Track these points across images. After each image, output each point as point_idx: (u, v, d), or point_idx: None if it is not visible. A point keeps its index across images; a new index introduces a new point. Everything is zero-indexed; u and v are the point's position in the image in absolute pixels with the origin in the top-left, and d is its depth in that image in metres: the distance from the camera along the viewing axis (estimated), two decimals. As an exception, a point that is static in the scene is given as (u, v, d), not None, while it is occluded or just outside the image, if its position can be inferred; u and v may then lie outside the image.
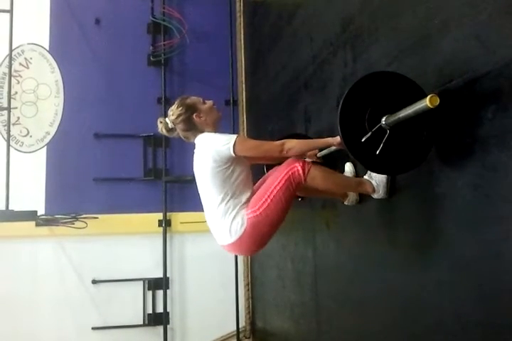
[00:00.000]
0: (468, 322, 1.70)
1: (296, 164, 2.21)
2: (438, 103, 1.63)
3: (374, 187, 2.25)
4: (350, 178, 2.50)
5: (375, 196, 2.28)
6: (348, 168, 2.58)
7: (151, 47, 4.96)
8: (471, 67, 1.68)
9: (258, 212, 2.20)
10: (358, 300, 2.58)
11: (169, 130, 2.46)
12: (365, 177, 2.31)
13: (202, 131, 2.40)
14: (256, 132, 4.79)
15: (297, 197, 2.80)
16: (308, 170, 2.20)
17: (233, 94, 5.09)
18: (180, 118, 2.39)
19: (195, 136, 2.41)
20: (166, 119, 2.45)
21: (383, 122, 1.87)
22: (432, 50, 1.90)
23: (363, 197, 2.47)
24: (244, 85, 5.09)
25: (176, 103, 2.45)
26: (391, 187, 2.23)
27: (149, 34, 5.00)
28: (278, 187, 2.20)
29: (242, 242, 2.24)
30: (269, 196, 2.21)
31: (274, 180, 2.23)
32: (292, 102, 3.58)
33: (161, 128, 2.47)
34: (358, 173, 2.52)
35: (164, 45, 4.96)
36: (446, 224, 1.82)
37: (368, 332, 2.49)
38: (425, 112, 1.70)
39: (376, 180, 2.25)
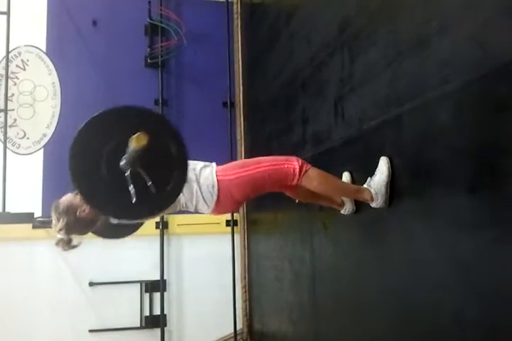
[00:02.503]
0: (466, 323, 1.71)
1: (295, 163, 2.20)
2: (145, 142, 1.62)
3: (372, 196, 2.23)
4: (349, 184, 2.50)
5: (373, 205, 2.26)
6: (346, 177, 2.58)
7: (148, 49, 4.95)
8: (470, 69, 1.69)
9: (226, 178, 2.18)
10: (356, 302, 2.58)
11: (70, 242, 2.16)
12: (365, 185, 2.29)
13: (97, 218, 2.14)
14: (254, 134, 4.79)
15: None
16: (306, 172, 2.20)
17: (231, 96, 5.09)
18: (70, 225, 2.10)
19: (97, 222, 2.16)
20: (58, 236, 2.12)
21: (122, 165, 1.74)
22: (430, 51, 1.91)
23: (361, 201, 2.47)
24: (241, 87, 5.08)
25: (53, 216, 2.13)
26: (390, 196, 2.23)
27: (146, 36, 4.99)
28: (260, 170, 2.18)
29: None
30: (244, 171, 2.18)
31: (262, 161, 2.21)
32: (290, 104, 3.58)
33: (63, 247, 2.15)
34: (356, 183, 2.51)
35: (161, 46, 4.95)
36: (445, 225, 1.82)
37: (366, 334, 2.48)
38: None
39: (375, 188, 2.22)
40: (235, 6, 5.25)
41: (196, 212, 2.28)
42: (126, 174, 1.73)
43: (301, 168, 2.19)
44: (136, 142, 1.62)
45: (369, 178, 2.27)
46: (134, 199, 1.73)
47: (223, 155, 4.69)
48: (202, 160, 2.28)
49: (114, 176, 1.73)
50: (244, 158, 4.83)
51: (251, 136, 4.85)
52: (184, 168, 1.85)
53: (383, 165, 2.21)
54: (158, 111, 4.80)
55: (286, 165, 2.19)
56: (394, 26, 2.19)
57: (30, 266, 4.49)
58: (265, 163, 2.21)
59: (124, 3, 5.08)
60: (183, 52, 5.01)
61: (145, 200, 1.76)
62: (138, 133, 1.62)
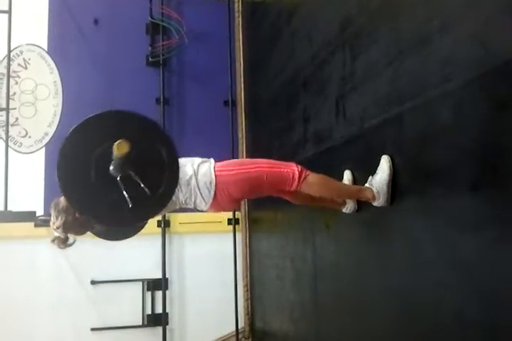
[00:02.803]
0: (467, 322, 1.70)
1: (294, 168, 2.20)
2: (127, 150, 1.61)
3: (374, 195, 2.22)
4: (350, 186, 2.49)
5: (375, 203, 2.25)
6: (347, 175, 2.57)
7: (149, 48, 4.94)
8: (471, 67, 1.68)
9: (224, 173, 2.17)
10: (357, 301, 2.58)
11: (67, 240, 2.18)
12: (366, 184, 2.28)
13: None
14: (255, 133, 4.79)
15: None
16: (305, 178, 2.19)
17: (232, 94, 5.08)
18: (68, 224, 2.12)
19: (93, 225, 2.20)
20: (55, 234, 2.15)
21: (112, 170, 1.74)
22: (432, 50, 1.90)
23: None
24: (243, 85, 5.08)
25: (52, 213, 2.15)
26: (392, 194, 2.22)
27: (148, 35, 4.98)
28: (258, 169, 2.18)
29: None
30: (242, 169, 2.19)
31: (261, 162, 2.22)
32: (291, 102, 3.58)
33: (59, 245, 2.18)
34: (357, 181, 2.51)
35: (163, 45, 4.94)
36: (446, 224, 1.82)
37: (366, 333, 2.48)
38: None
39: (377, 187, 2.21)
40: (236, 5, 5.24)
41: (195, 208, 2.27)
42: (117, 179, 1.72)
43: (300, 173, 2.19)
44: (118, 150, 1.61)
45: (370, 177, 2.27)
46: (130, 205, 1.72)
47: (224, 153, 4.67)
48: (201, 157, 2.28)
49: (104, 182, 1.72)
50: (246, 157, 4.84)
51: (252, 134, 4.85)
52: (175, 168, 1.85)
53: (384, 163, 2.21)
54: (160, 110, 4.82)
55: (285, 170, 2.20)
56: (395, 24, 2.19)
57: (31, 264, 4.49)
58: (264, 164, 2.22)
59: (125, 1, 5.08)
60: (184, 51, 5.01)
61: (138, 205, 1.75)
62: (119, 141, 1.61)
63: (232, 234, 4.84)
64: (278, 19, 3.96)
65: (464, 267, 1.71)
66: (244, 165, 2.21)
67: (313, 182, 2.22)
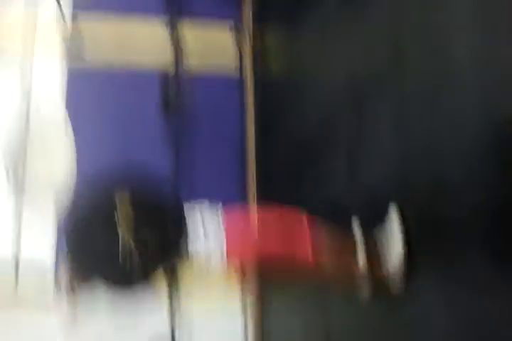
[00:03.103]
0: None
1: (308, 244, 2.16)
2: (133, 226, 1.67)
3: (387, 268, 2.11)
4: (362, 259, 2.28)
5: (388, 277, 2.13)
6: (358, 238, 2.33)
7: (161, 99, 5.00)
8: (481, 121, 1.67)
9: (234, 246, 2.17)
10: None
11: (75, 289, 2.15)
12: (379, 254, 2.17)
13: None
14: (266, 196, 4.76)
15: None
16: (318, 251, 2.16)
17: (243, 156, 5.11)
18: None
19: None
20: (63, 279, 2.17)
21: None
22: (440, 105, 1.91)
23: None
24: (254, 146, 5.09)
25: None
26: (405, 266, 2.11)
27: (160, 86, 5.01)
28: (271, 250, 2.15)
29: None
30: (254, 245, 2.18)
31: (273, 238, 2.17)
32: (300, 168, 3.59)
33: (67, 294, 2.15)
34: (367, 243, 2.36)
35: (175, 96, 5.01)
36: (458, 289, 1.77)
37: None
38: None
39: (391, 260, 2.09)
40: (248, 78, 5.32)
41: (208, 262, 2.22)
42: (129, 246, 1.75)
43: (314, 250, 2.14)
44: (126, 233, 1.65)
45: (378, 236, 2.20)
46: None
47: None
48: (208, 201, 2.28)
49: (112, 245, 1.76)
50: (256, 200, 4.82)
51: (263, 197, 4.80)
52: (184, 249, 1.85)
53: (396, 231, 2.11)
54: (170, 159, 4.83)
55: (299, 251, 2.15)
56: (402, 86, 2.22)
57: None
58: (276, 239, 2.17)
59: (139, 52, 5.17)
60: (194, 113, 5.06)
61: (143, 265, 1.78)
62: (122, 225, 1.64)
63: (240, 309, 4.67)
64: (287, 81, 4.06)
65: (478, 330, 1.65)
66: (256, 241, 2.17)
67: (326, 257, 2.17)
